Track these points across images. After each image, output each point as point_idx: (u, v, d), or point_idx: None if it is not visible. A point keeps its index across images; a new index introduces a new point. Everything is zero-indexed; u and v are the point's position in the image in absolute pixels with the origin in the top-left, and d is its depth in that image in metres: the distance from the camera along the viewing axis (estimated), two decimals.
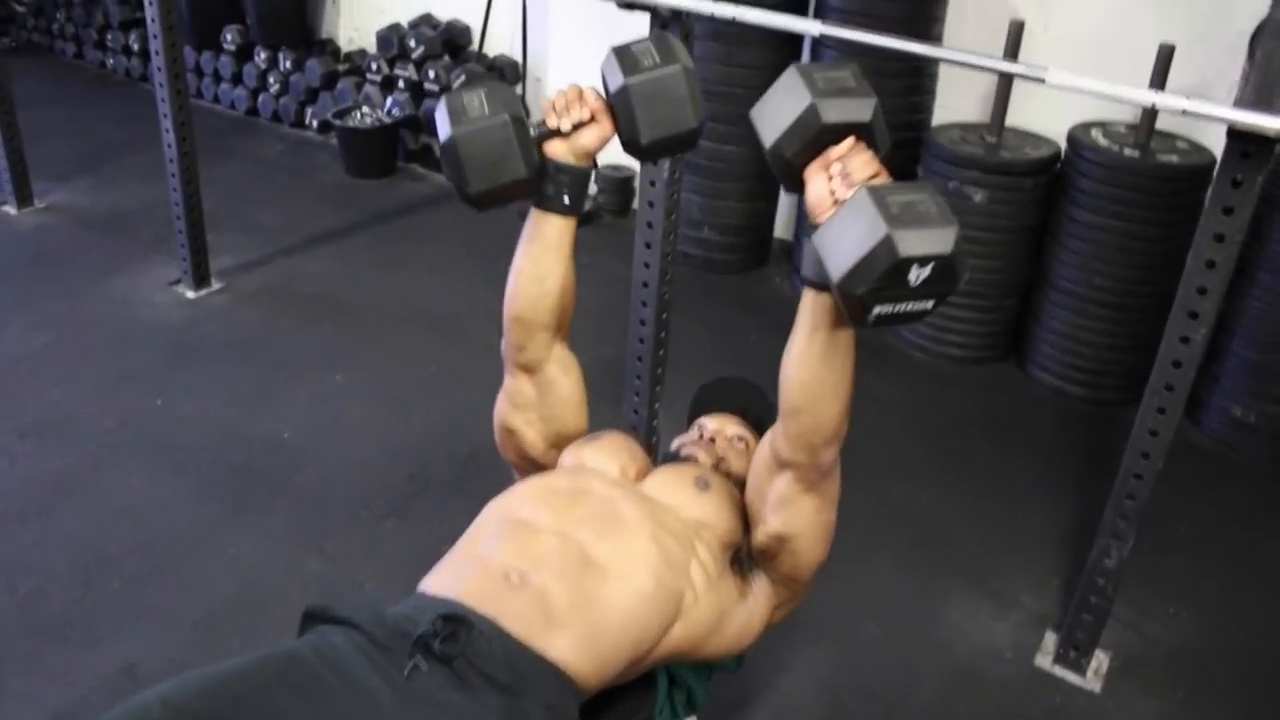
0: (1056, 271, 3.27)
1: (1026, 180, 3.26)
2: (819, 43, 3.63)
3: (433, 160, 4.85)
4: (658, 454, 2.84)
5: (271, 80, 5.25)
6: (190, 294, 3.65)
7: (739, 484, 1.78)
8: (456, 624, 1.33)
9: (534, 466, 1.80)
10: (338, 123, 4.71)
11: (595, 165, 1.65)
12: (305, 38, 5.22)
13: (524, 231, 1.65)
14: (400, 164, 4.89)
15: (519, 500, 1.60)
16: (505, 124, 1.49)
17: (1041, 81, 1.85)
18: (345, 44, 5.32)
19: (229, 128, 5.30)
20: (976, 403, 3.37)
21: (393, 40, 4.79)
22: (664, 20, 2.25)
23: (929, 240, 1.19)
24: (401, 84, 4.82)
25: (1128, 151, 3.08)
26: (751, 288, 4.02)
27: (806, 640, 2.37)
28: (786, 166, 1.37)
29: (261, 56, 5.24)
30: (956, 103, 3.67)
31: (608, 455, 1.70)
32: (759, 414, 1.93)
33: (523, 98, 4.76)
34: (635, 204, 2.48)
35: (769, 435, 1.53)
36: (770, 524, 1.55)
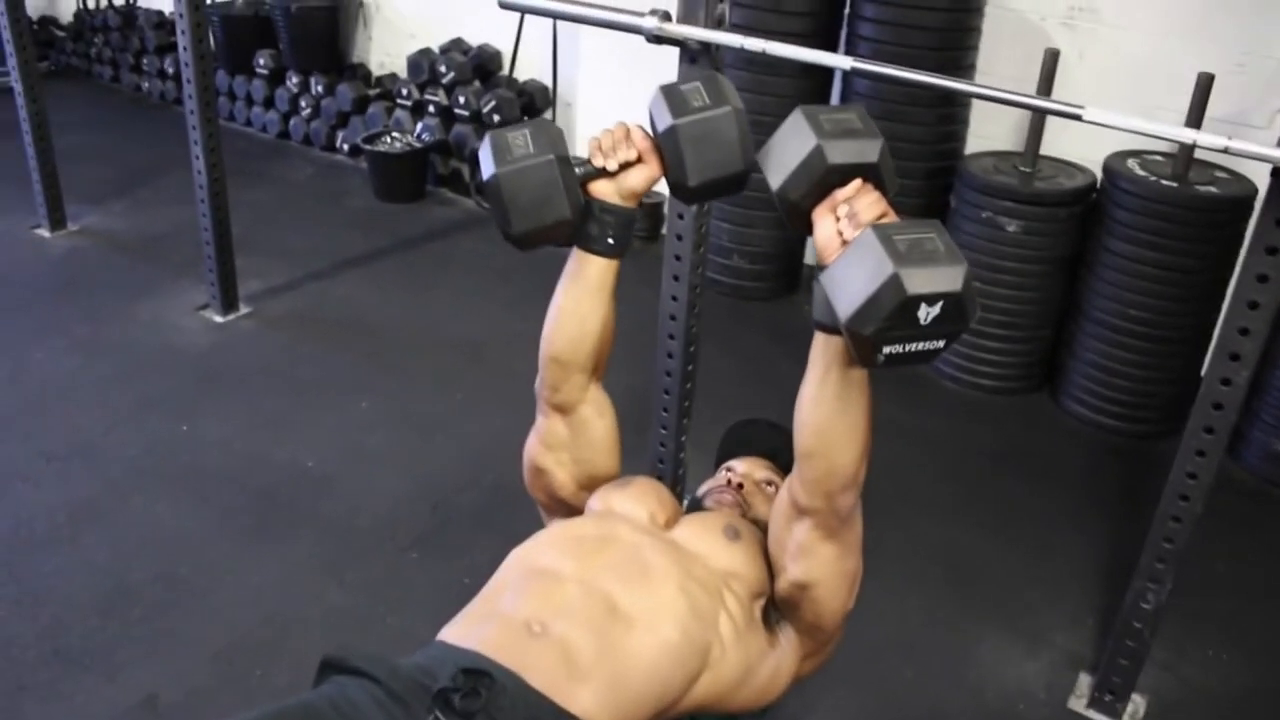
0: (1091, 302, 3.22)
1: (1061, 210, 3.21)
2: (850, 74, 3.60)
3: (462, 185, 4.85)
4: (685, 486, 2.82)
5: (303, 104, 5.29)
6: (218, 319, 3.66)
7: (767, 530, 1.75)
8: (478, 678, 1.30)
9: (563, 507, 1.77)
10: (368, 147, 4.73)
11: (641, 205, 1.64)
12: (337, 62, 5.25)
13: (566, 270, 1.63)
14: (430, 188, 4.90)
15: (543, 548, 1.56)
16: (550, 163, 1.47)
17: (1078, 119, 1.81)
18: (377, 69, 5.35)
19: (260, 151, 5.33)
20: (1008, 435, 3.32)
21: (423, 65, 4.81)
22: (693, 54, 2.23)
23: (937, 278, 1.18)
24: (432, 109, 4.83)
25: (1165, 181, 3.03)
26: (781, 315, 3.98)
27: (834, 681, 2.31)
28: (793, 209, 1.37)
29: (293, 81, 5.28)
30: (990, 131, 3.63)
31: (636, 501, 1.67)
32: (788, 458, 1.90)
33: (553, 119, 4.78)
34: (664, 229, 2.46)
35: (787, 482, 1.51)
36: (791, 572, 1.51)
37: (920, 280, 1.17)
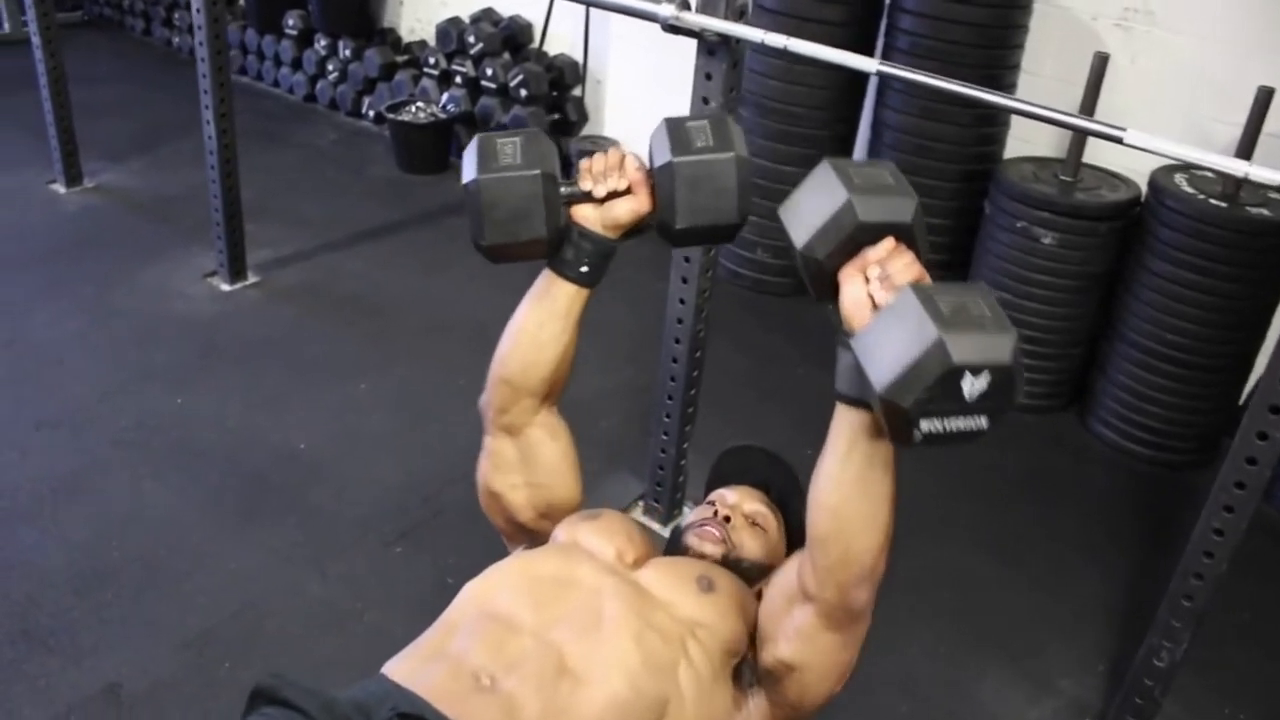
0: (1127, 322, 3.06)
1: (1101, 224, 3.04)
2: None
3: None
4: (684, 494, 2.72)
5: (330, 68, 5.19)
6: (225, 287, 3.59)
7: (754, 569, 1.65)
8: None
9: (523, 534, 1.67)
10: (391, 116, 4.62)
11: (623, 239, 1.52)
12: (367, 26, 5.14)
13: (533, 288, 1.53)
14: (453, 160, 4.79)
15: (501, 587, 1.47)
16: (535, 179, 1.39)
17: (1119, 142, 1.67)
18: (407, 35, 5.24)
19: (285, 113, 5.25)
20: (1032, 456, 3.17)
21: (452, 34, 4.69)
22: (711, 46, 2.10)
23: (985, 347, 1.06)
24: (459, 79, 4.72)
25: (1214, 201, 2.86)
26: (803, 314, 3.85)
27: (826, 714, 2.20)
28: (818, 269, 1.23)
29: (321, 43, 5.18)
30: (1032, 134, 3.46)
31: (604, 537, 1.56)
32: (782, 490, 1.79)
33: (581, 100, 4.65)
34: None
35: (796, 560, 1.38)
36: (781, 650, 1.39)
37: (967, 348, 1.05)
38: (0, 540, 2.46)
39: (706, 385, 2.61)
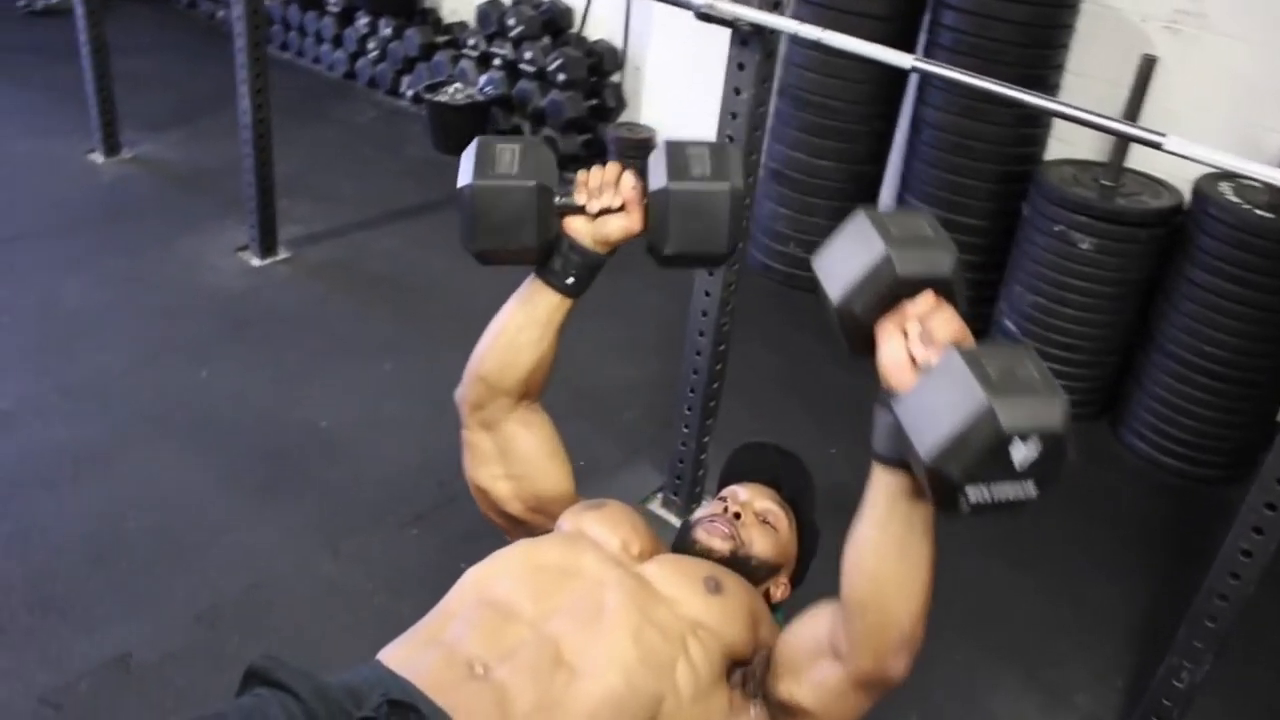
0: (1164, 332, 2.99)
1: (1142, 231, 2.97)
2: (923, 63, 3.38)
3: None
4: (704, 488, 2.69)
5: (371, 46, 5.19)
6: (255, 261, 3.59)
7: (762, 568, 1.62)
8: (404, 712, 1.20)
9: (521, 528, 1.66)
10: (429, 96, 4.61)
11: (611, 254, 1.52)
12: (408, 5, 5.13)
13: (518, 291, 1.54)
14: None
15: (501, 575, 1.46)
16: (530, 190, 1.39)
17: (1157, 147, 1.62)
18: (448, 15, 5.22)
19: (324, 90, 5.25)
20: None
21: (492, 16, 4.67)
22: (744, 36, 2.06)
23: (1036, 412, 1.03)
24: (497, 62, 4.70)
25: (1260, 211, 2.78)
26: None
27: None
28: (854, 324, 1.20)
29: (363, 21, 5.18)
30: (1074, 137, 3.38)
31: (609, 528, 1.55)
32: (795, 489, 1.77)
33: (620, 86, 4.61)
34: None
35: (828, 611, 1.32)
36: (799, 694, 1.36)
37: (1017, 414, 1.02)
38: (20, 508, 2.47)
39: (731, 379, 2.58)
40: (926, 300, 1.17)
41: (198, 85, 5.02)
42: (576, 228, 1.47)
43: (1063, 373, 3.18)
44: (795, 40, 2.12)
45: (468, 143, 4.22)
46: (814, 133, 3.57)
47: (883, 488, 1.20)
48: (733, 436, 2.88)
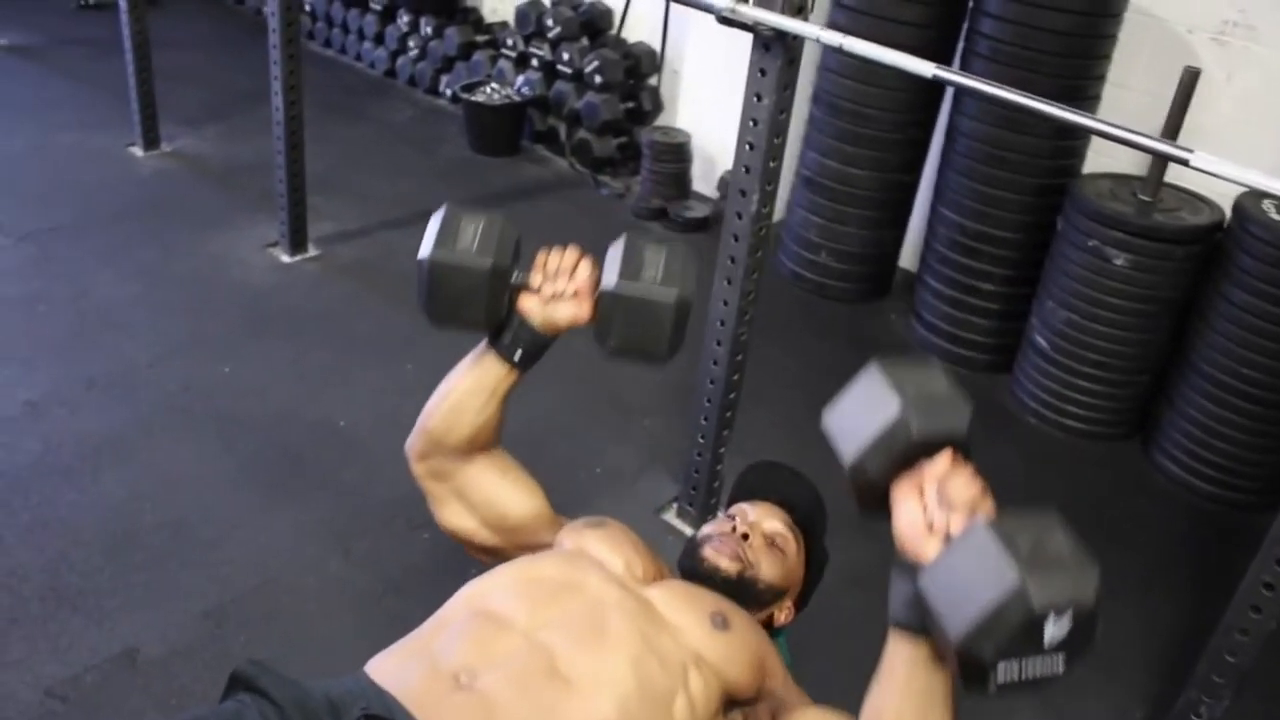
0: (1199, 352, 2.91)
1: (1178, 248, 2.89)
2: (961, 69, 3.32)
3: (558, 144, 4.72)
4: (720, 499, 2.65)
5: (411, 44, 5.21)
6: (285, 258, 3.62)
7: (768, 592, 1.59)
8: None
9: (510, 557, 1.62)
10: (465, 96, 4.61)
11: (558, 336, 1.54)
12: (449, 4, 5.14)
13: (470, 355, 1.55)
14: (526, 144, 4.77)
15: (498, 587, 1.43)
16: (483, 272, 1.42)
17: (1184, 164, 1.56)
18: (489, 14, 5.23)
19: (365, 88, 5.29)
20: (1087, 484, 3.04)
21: (531, 17, 4.66)
22: (766, 41, 2.03)
23: (1068, 587, 1.01)
24: (535, 62, 4.69)
25: None
26: (865, 321, 3.75)
27: None
28: (869, 485, 1.18)
29: (404, 19, 5.20)
30: (1114, 149, 3.26)
31: (612, 547, 1.52)
32: (807, 512, 1.72)
33: (657, 89, 4.59)
34: None
35: None
36: None
37: (1050, 591, 0.99)
38: (41, 497, 2.50)
39: (754, 388, 2.54)
40: (944, 462, 1.15)
41: (239, 80, 5.06)
42: (529, 306, 1.49)
43: (1093, 390, 3.11)
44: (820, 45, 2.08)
45: (503, 143, 4.27)
46: (848, 140, 3.52)
47: (902, 656, 1.17)
48: (754, 446, 2.86)
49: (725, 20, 1.99)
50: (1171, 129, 2.85)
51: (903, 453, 1.15)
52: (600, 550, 1.51)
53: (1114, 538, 2.83)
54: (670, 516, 2.69)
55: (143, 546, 2.40)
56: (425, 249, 1.44)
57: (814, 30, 1.92)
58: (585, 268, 1.48)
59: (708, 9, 2.01)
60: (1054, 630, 1.00)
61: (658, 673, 1.33)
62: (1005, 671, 1.01)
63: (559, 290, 1.47)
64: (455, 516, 1.65)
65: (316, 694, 1.25)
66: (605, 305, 1.43)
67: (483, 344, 1.54)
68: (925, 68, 1.79)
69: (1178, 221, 2.92)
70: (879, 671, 1.21)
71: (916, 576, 1.10)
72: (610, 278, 1.43)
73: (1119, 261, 2.92)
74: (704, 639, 1.40)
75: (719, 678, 1.39)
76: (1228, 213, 2.92)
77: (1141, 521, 2.92)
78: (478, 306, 1.45)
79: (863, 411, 1.19)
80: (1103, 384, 3.09)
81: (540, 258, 1.49)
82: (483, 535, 1.64)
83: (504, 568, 1.49)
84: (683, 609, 1.44)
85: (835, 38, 1.89)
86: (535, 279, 1.48)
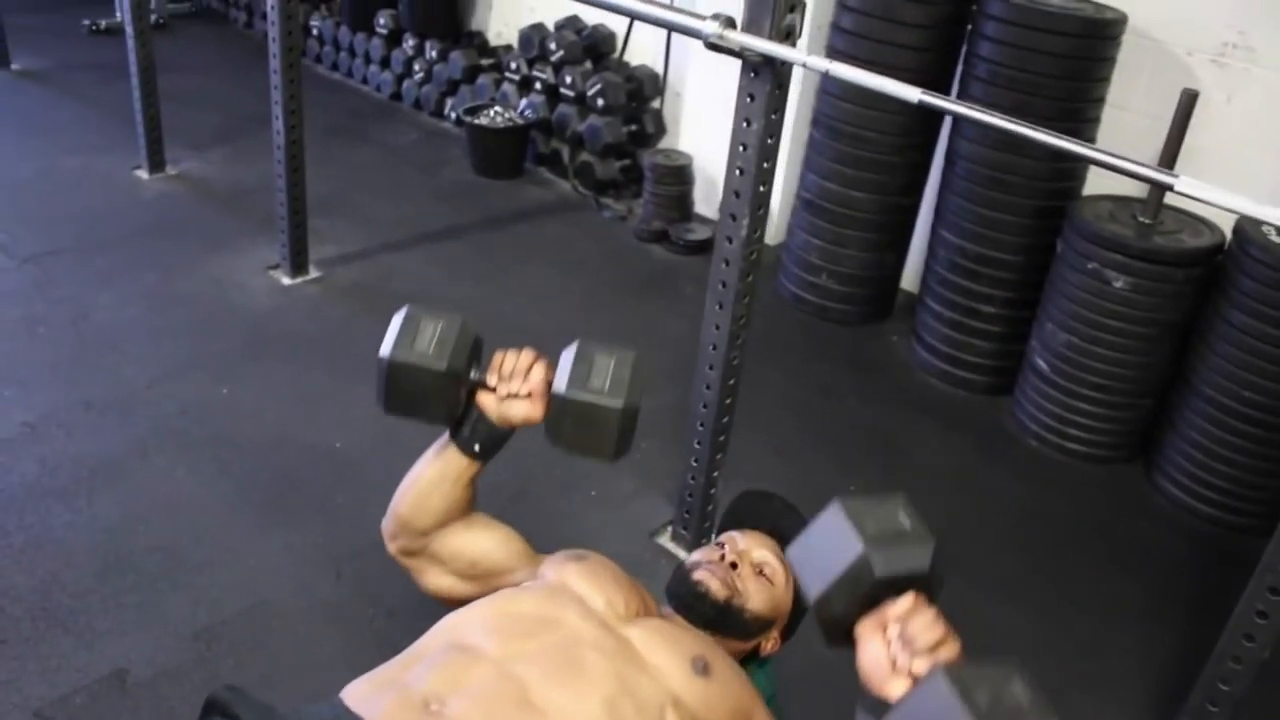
0: (1201, 375, 2.89)
1: (1178, 271, 2.88)
2: (959, 96, 3.31)
3: (561, 167, 4.73)
4: (714, 523, 2.64)
5: (417, 68, 5.25)
6: (285, 280, 3.63)
7: (755, 622, 1.59)
8: None
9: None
10: (468, 119, 4.64)
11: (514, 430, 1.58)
12: (455, 28, 5.18)
13: (434, 445, 1.59)
14: (529, 166, 4.79)
15: (474, 620, 1.44)
16: (439, 374, 1.47)
17: (1169, 189, 1.55)
18: (494, 39, 5.26)
19: (370, 111, 5.32)
20: (1088, 508, 3.01)
21: (534, 40, 4.69)
22: (754, 67, 2.03)
23: None
24: (538, 86, 4.71)
25: None
26: (865, 343, 3.74)
27: None
28: (833, 621, 1.20)
29: (410, 43, 5.24)
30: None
31: (593, 583, 1.52)
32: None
33: (659, 112, 4.60)
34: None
35: None
36: None
37: None
38: (35, 517, 2.51)
39: (751, 410, 2.53)
40: (906, 603, 1.17)
41: (246, 104, 5.09)
42: (486, 403, 1.53)
43: (1095, 413, 3.09)
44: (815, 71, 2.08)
45: (505, 166, 4.32)
46: (848, 163, 3.52)
47: None
48: (752, 470, 2.85)
49: (713, 46, 2.00)
50: (1170, 151, 2.84)
51: (866, 593, 1.18)
52: (580, 585, 1.52)
53: (1115, 561, 2.81)
54: (664, 540, 2.68)
55: (135, 568, 2.40)
56: (385, 348, 1.49)
57: (799, 55, 1.92)
58: (539, 371, 1.52)
59: (695, 35, 2.01)
60: None
61: (631, 713, 1.32)
62: None
63: (513, 390, 1.52)
64: (433, 579, 1.67)
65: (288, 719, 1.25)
66: (555, 408, 1.49)
67: (445, 435, 1.59)
68: (911, 93, 1.79)
69: (1178, 244, 2.90)
70: None
71: (881, 714, 1.12)
72: (560, 383, 1.48)
73: (1118, 284, 2.90)
74: (684, 683, 1.40)
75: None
76: (1228, 235, 2.90)
77: (1143, 545, 2.89)
78: (434, 406, 1.51)
79: (826, 549, 1.21)
80: (1103, 406, 3.07)
81: (497, 358, 1.54)
82: (461, 589, 1.65)
83: (483, 602, 1.50)
84: (663, 650, 1.44)
85: (821, 63, 1.89)
86: (491, 378, 1.53)
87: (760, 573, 1.63)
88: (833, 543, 1.20)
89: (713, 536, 2.64)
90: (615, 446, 1.50)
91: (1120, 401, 3.06)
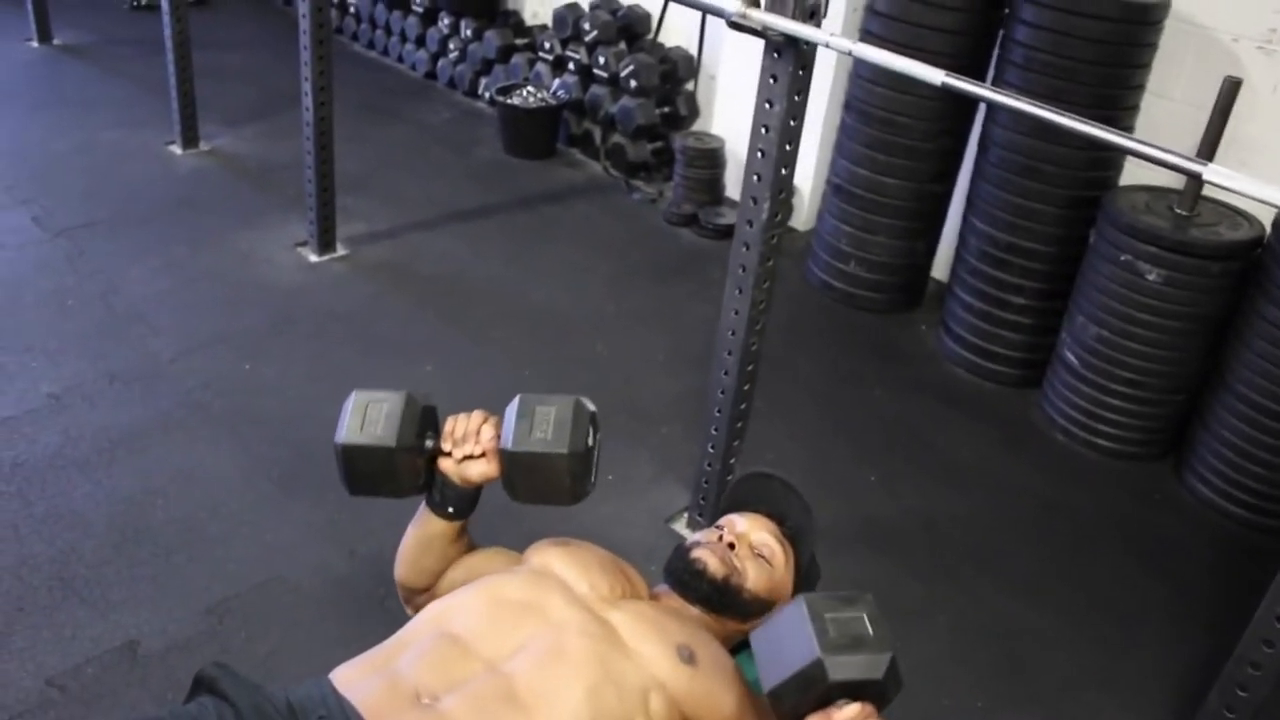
0: (1235, 372, 2.81)
1: (1214, 264, 2.80)
2: (994, 81, 3.24)
3: (593, 148, 4.71)
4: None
5: (451, 47, 5.24)
6: (313, 258, 3.64)
7: (753, 603, 1.57)
8: None
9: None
10: (501, 98, 4.62)
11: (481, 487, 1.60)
12: (490, 7, 5.16)
13: (417, 514, 1.62)
14: (561, 147, 4.77)
15: (460, 608, 1.44)
16: (390, 453, 1.50)
17: (1197, 178, 1.50)
18: (529, 18, 5.23)
19: (405, 89, 5.32)
20: (1115, 505, 2.95)
21: (568, 20, 4.66)
22: (777, 47, 1.99)
23: None
24: (572, 66, 4.69)
25: None
26: (893, 332, 3.69)
27: None
28: (784, 714, 1.25)
29: (445, 22, 5.23)
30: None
31: (577, 567, 1.53)
32: (796, 524, 1.69)
33: (693, 94, 4.56)
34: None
35: None
36: None
37: None
38: (56, 488, 2.53)
39: (774, 397, 2.50)
40: (853, 711, 1.20)
41: (281, 81, 5.09)
42: (446, 467, 1.56)
43: (1125, 409, 3.03)
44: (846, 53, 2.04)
45: (537, 146, 4.31)
46: (879, 149, 3.46)
47: None
48: (773, 456, 2.83)
49: (735, 25, 1.96)
50: (1209, 141, 2.76)
51: (818, 694, 1.22)
52: (564, 569, 1.53)
53: (1142, 560, 2.75)
54: (680, 526, 2.66)
55: (151, 540, 2.42)
56: (339, 434, 1.53)
57: (822, 36, 1.88)
58: (488, 431, 1.54)
59: (719, 14, 1.98)
60: None
61: (614, 703, 1.33)
62: None
63: (468, 452, 1.54)
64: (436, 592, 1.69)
65: (277, 698, 1.26)
66: (506, 464, 1.52)
67: (421, 506, 1.62)
68: (935, 75, 1.74)
69: (1215, 237, 2.83)
70: None
71: None
72: (506, 440, 1.51)
73: (1152, 277, 2.83)
74: (668, 670, 1.40)
75: (678, 709, 1.38)
76: (1268, 229, 2.82)
77: (1170, 544, 2.83)
78: (393, 481, 1.54)
79: (785, 643, 1.25)
80: (1134, 402, 3.01)
81: (449, 424, 1.56)
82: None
83: (469, 588, 1.51)
84: (648, 636, 1.43)
85: (844, 44, 1.85)
86: (446, 444, 1.55)
87: (759, 554, 1.62)
88: (793, 638, 1.24)
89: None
90: (571, 491, 1.52)
91: (1151, 397, 3.00)
